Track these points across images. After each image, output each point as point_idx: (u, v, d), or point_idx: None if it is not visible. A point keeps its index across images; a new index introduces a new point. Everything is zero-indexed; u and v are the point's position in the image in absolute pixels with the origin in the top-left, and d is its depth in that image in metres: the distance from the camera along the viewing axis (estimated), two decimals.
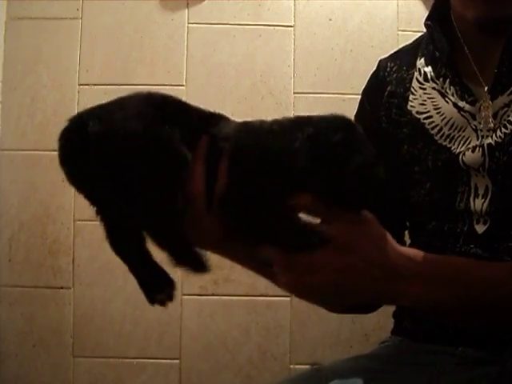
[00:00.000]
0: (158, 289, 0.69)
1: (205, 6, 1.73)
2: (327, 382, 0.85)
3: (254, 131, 0.70)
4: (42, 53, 1.72)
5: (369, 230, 0.71)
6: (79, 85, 1.71)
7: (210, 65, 1.72)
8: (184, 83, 1.71)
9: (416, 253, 0.75)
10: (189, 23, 1.73)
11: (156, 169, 0.65)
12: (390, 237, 0.73)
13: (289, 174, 0.67)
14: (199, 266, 0.69)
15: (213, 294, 1.68)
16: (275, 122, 0.71)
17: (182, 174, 0.67)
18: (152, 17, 1.73)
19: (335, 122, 0.69)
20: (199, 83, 1.71)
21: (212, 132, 0.70)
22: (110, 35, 1.72)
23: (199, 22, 1.73)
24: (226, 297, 1.68)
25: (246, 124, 0.72)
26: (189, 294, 1.68)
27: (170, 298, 0.70)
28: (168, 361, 1.68)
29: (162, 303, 0.69)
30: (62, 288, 1.69)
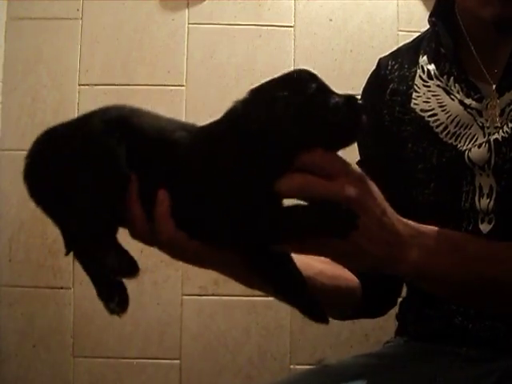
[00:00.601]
0: (109, 298, 0.68)
1: (205, 6, 1.73)
2: (336, 381, 0.85)
3: (220, 123, 0.69)
4: (42, 53, 1.72)
5: (373, 190, 0.67)
6: (79, 85, 1.70)
7: (210, 65, 1.72)
8: (184, 83, 1.71)
9: (412, 222, 0.72)
10: (189, 23, 1.73)
11: (90, 178, 0.65)
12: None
13: (281, 144, 0.63)
14: (127, 271, 0.67)
15: (213, 294, 1.68)
16: (235, 104, 0.69)
17: (117, 188, 0.66)
18: (152, 17, 1.73)
19: (300, 75, 0.66)
20: (199, 83, 1.71)
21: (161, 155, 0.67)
22: (110, 35, 1.72)
23: (199, 22, 1.73)
24: (226, 297, 1.68)
25: (202, 127, 0.70)
26: (189, 294, 1.68)
27: (122, 307, 0.67)
28: (168, 361, 1.68)
29: (117, 313, 0.67)
30: (61, 288, 1.69)
